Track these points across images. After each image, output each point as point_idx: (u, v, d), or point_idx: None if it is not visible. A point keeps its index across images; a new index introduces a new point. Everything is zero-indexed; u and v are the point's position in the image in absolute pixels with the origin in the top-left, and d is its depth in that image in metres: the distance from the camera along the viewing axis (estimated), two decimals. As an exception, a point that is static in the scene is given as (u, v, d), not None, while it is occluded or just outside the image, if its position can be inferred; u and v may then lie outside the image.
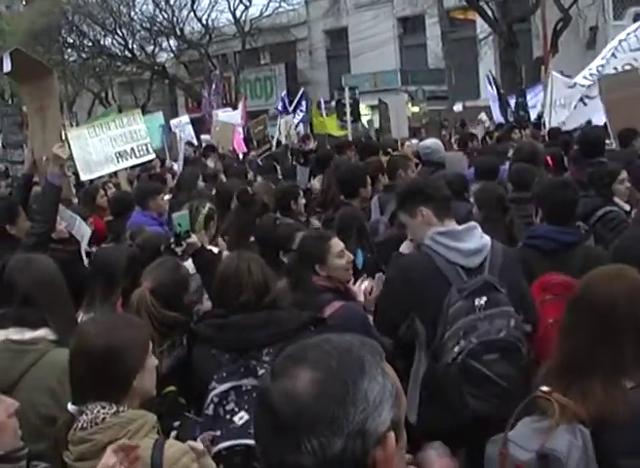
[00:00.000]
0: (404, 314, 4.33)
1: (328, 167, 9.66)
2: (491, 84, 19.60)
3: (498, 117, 19.04)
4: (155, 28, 44.61)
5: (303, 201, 7.76)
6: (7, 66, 7.56)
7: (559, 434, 2.57)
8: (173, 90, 48.92)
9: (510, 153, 9.91)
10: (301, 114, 20.05)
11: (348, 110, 18.54)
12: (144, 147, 10.70)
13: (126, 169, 11.43)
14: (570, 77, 15.04)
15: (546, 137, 12.97)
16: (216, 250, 5.76)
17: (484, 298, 4.20)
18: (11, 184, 12.08)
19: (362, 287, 4.90)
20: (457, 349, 4.16)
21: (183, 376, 4.04)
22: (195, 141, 19.34)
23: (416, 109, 26.48)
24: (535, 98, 18.26)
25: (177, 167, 14.05)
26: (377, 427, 1.53)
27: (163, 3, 43.81)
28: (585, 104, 13.38)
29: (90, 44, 45.70)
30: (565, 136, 11.83)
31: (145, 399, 3.05)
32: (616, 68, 13.09)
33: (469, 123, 21.69)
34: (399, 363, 4.07)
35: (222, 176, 11.28)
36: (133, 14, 44.52)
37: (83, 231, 6.92)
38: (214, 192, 8.80)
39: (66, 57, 45.20)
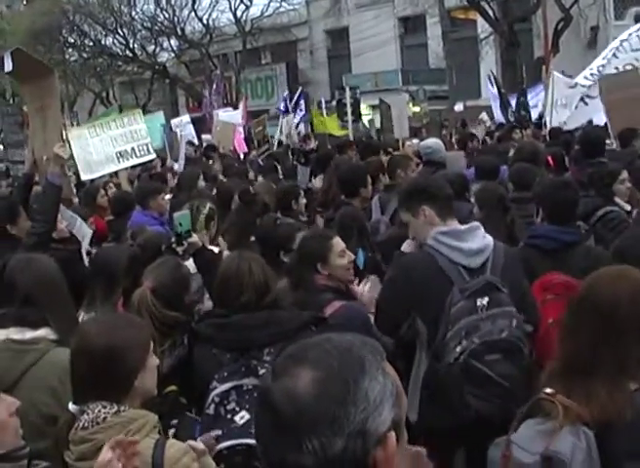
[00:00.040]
0: (405, 313, 4.33)
1: (328, 166, 9.66)
2: (492, 83, 19.60)
3: (499, 117, 19.04)
4: (156, 28, 44.62)
5: (304, 201, 7.76)
6: (8, 66, 7.56)
7: (563, 436, 2.56)
8: (174, 89, 48.92)
9: (511, 153, 9.91)
10: (301, 113, 20.04)
11: (349, 110, 18.54)
12: (145, 147, 10.70)
13: (126, 168, 11.43)
14: (571, 77, 15.05)
15: (547, 137, 12.97)
16: (216, 249, 5.76)
17: (486, 299, 4.21)
18: (12, 184, 12.09)
19: (366, 287, 4.88)
20: (459, 349, 4.16)
21: (184, 376, 4.04)
22: (196, 141, 19.33)
23: (417, 109, 26.49)
24: (535, 98, 18.26)
25: (177, 166, 14.04)
26: (377, 427, 1.53)
27: (164, 3, 43.82)
28: (586, 104, 13.39)
29: (91, 43, 45.72)
30: (566, 136, 11.82)
31: (146, 398, 3.05)
32: (617, 68, 13.09)
33: (470, 123, 21.69)
34: (400, 362, 4.07)
35: (221, 176, 11.26)
36: (134, 13, 44.54)
37: (84, 231, 6.92)
38: (214, 192, 8.82)
39: (67, 56, 45.21)
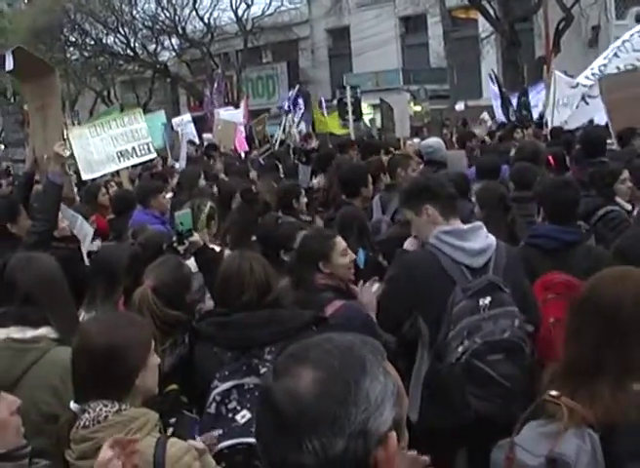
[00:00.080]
0: (407, 311, 4.33)
1: (330, 166, 9.67)
2: (493, 82, 19.61)
3: (500, 116, 19.04)
4: (157, 27, 44.60)
5: (305, 200, 7.76)
6: (9, 64, 7.57)
7: (568, 438, 2.54)
8: (175, 88, 48.91)
9: (512, 152, 9.91)
10: (300, 111, 20.02)
11: (350, 109, 18.54)
12: (146, 146, 10.70)
13: (127, 167, 11.44)
14: (572, 77, 15.04)
15: (548, 137, 12.97)
16: (217, 248, 5.76)
17: (488, 298, 4.21)
18: (12, 183, 12.11)
19: (373, 289, 4.86)
20: (460, 349, 4.16)
21: (185, 375, 4.04)
22: (197, 140, 19.33)
23: (418, 108, 26.47)
24: (536, 97, 18.25)
25: (178, 165, 14.04)
26: (378, 427, 1.53)
27: (165, 2, 43.80)
28: (587, 104, 13.39)
29: (92, 42, 45.72)
30: (567, 136, 11.81)
31: (148, 397, 3.05)
32: (618, 68, 13.10)
33: (471, 122, 21.68)
34: (401, 361, 4.07)
35: (222, 175, 11.27)
36: (135, 12, 44.53)
37: (85, 230, 6.92)
38: (215, 191, 8.82)
39: (68, 55, 45.18)
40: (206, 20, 44.47)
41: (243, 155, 16.95)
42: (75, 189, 10.23)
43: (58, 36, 43.26)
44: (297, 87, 22.27)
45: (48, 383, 3.56)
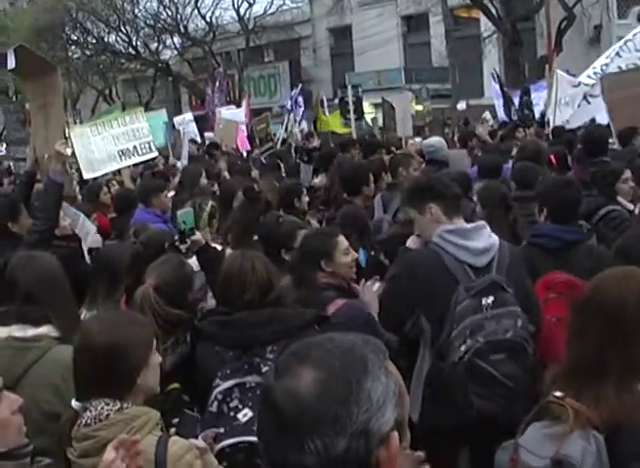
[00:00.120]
0: (409, 310, 4.33)
1: (331, 165, 9.67)
2: (495, 81, 19.61)
3: (502, 115, 19.03)
4: (159, 26, 44.63)
5: (307, 199, 7.76)
6: (11, 63, 7.56)
7: (573, 440, 2.53)
8: (176, 87, 48.93)
9: (514, 152, 9.90)
10: (300, 110, 20.01)
11: (352, 108, 18.53)
12: (147, 145, 10.71)
13: (129, 166, 11.45)
14: (574, 76, 15.02)
15: (550, 136, 12.96)
16: (219, 247, 5.77)
17: (491, 298, 4.20)
18: (14, 182, 12.12)
19: (374, 288, 4.86)
20: (463, 348, 4.15)
21: (187, 373, 4.04)
22: (199, 139, 19.33)
23: (419, 107, 26.45)
24: (538, 95, 18.22)
25: (180, 164, 14.04)
26: (380, 427, 1.53)
27: (167, 0, 43.82)
28: (589, 103, 13.36)
29: (94, 41, 45.74)
30: (569, 135, 11.81)
31: (149, 396, 3.05)
32: (620, 67, 13.08)
33: (473, 121, 21.67)
34: (402, 360, 4.07)
35: (226, 174, 11.27)
36: (137, 11, 44.55)
37: (88, 228, 6.93)
38: (216, 190, 8.83)
39: (70, 53, 45.20)
40: (208, 19, 44.51)
41: (245, 154, 16.95)
42: (77, 188, 10.25)
43: (59, 35, 43.25)
44: (299, 86, 22.28)
45: (49, 382, 3.56)
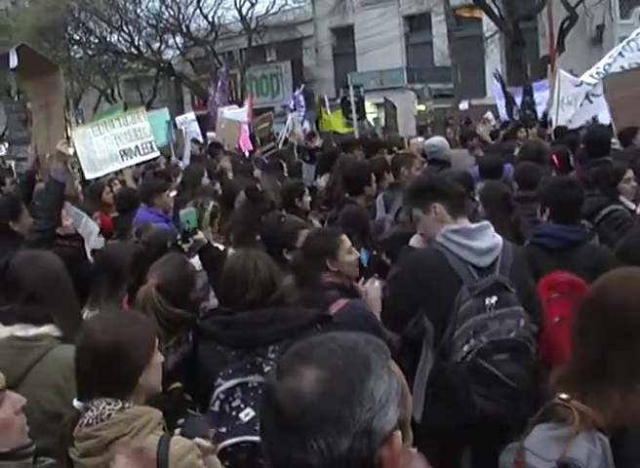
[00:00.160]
0: (412, 309, 4.32)
1: (333, 164, 9.66)
2: (497, 81, 19.60)
3: (504, 115, 19.02)
4: (161, 25, 44.61)
5: (309, 198, 7.76)
6: (13, 62, 7.57)
7: (579, 443, 2.52)
8: (179, 87, 48.93)
9: (516, 152, 9.90)
10: (301, 109, 20.01)
11: (354, 108, 18.52)
12: (149, 145, 10.72)
13: (131, 166, 11.45)
14: (576, 76, 15.02)
15: (552, 136, 12.94)
16: (221, 247, 5.77)
17: (494, 298, 4.20)
18: (16, 181, 12.12)
19: (375, 286, 4.86)
20: (466, 348, 4.15)
21: (189, 373, 4.04)
22: (201, 139, 19.33)
23: (422, 107, 26.43)
24: (540, 95, 18.20)
25: (182, 164, 14.04)
26: (383, 426, 1.53)
27: (169, 0, 43.81)
28: (591, 102, 13.35)
29: (96, 41, 45.72)
30: (571, 135, 11.79)
31: (151, 395, 3.05)
32: (622, 67, 13.06)
33: (475, 121, 21.64)
34: (405, 360, 4.07)
35: (230, 174, 11.27)
36: (139, 11, 44.55)
37: (90, 228, 6.93)
38: (218, 189, 8.82)
39: (72, 53, 45.19)
40: (210, 19, 44.48)
41: (247, 154, 16.95)
42: (79, 187, 10.25)
43: (62, 34, 43.25)
44: (302, 86, 22.29)
45: (51, 381, 3.55)
